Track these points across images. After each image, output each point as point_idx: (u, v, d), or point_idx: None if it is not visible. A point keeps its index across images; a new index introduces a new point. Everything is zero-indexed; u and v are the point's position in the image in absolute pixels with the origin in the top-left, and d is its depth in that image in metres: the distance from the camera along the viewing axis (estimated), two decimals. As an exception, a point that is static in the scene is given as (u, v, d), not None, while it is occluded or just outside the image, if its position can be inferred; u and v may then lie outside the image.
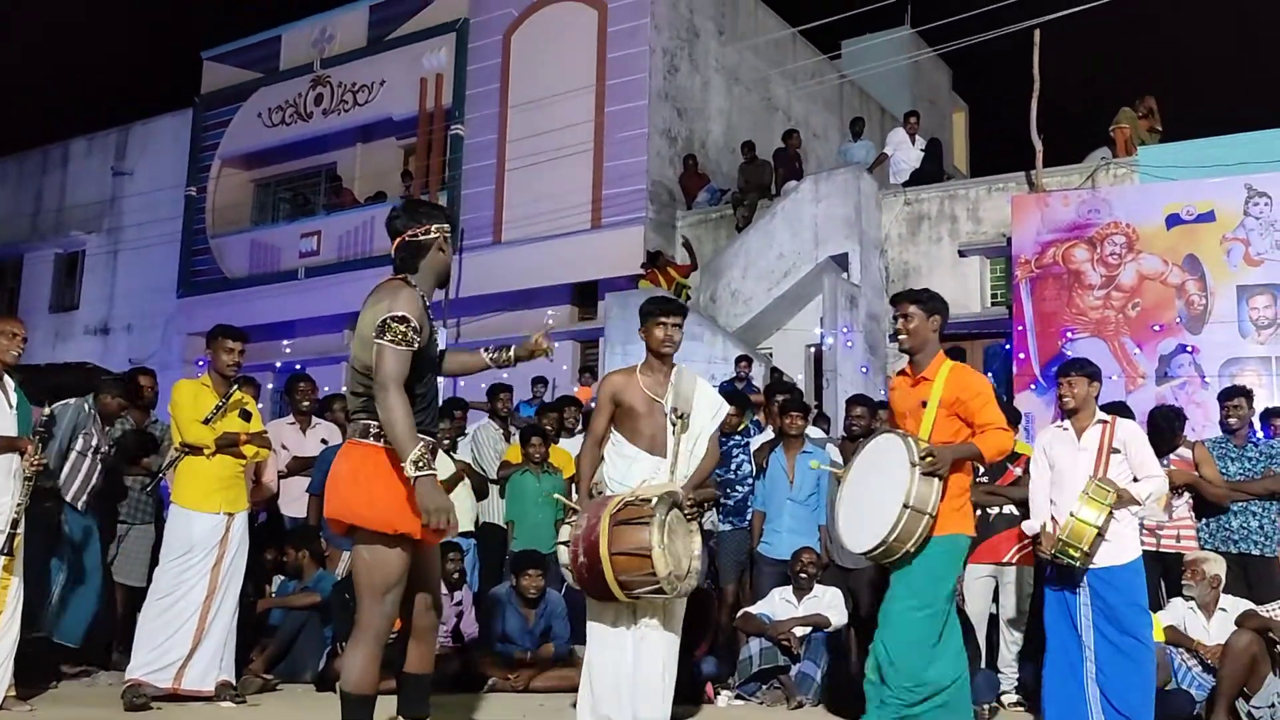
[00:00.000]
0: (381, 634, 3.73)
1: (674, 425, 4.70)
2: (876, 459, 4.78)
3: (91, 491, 6.47)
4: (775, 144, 15.48)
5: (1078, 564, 5.09)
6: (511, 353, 4.29)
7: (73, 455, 6.37)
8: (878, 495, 4.60)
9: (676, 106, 15.56)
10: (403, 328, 3.63)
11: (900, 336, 4.88)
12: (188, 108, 19.93)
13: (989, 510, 6.60)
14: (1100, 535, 5.00)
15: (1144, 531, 6.41)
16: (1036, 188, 12.19)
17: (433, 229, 3.89)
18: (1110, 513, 5.02)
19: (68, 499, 6.35)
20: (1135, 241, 10.92)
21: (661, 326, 4.79)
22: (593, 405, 10.64)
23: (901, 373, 5.02)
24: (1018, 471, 6.56)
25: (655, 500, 4.40)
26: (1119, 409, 6.28)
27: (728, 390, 9.95)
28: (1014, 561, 6.52)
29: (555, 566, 7.59)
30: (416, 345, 3.67)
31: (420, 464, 3.56)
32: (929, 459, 4.48)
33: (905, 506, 4.39)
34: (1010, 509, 6.53)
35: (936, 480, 4.50)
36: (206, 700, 5.69)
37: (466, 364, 4.37)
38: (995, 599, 6.64)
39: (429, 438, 3.79)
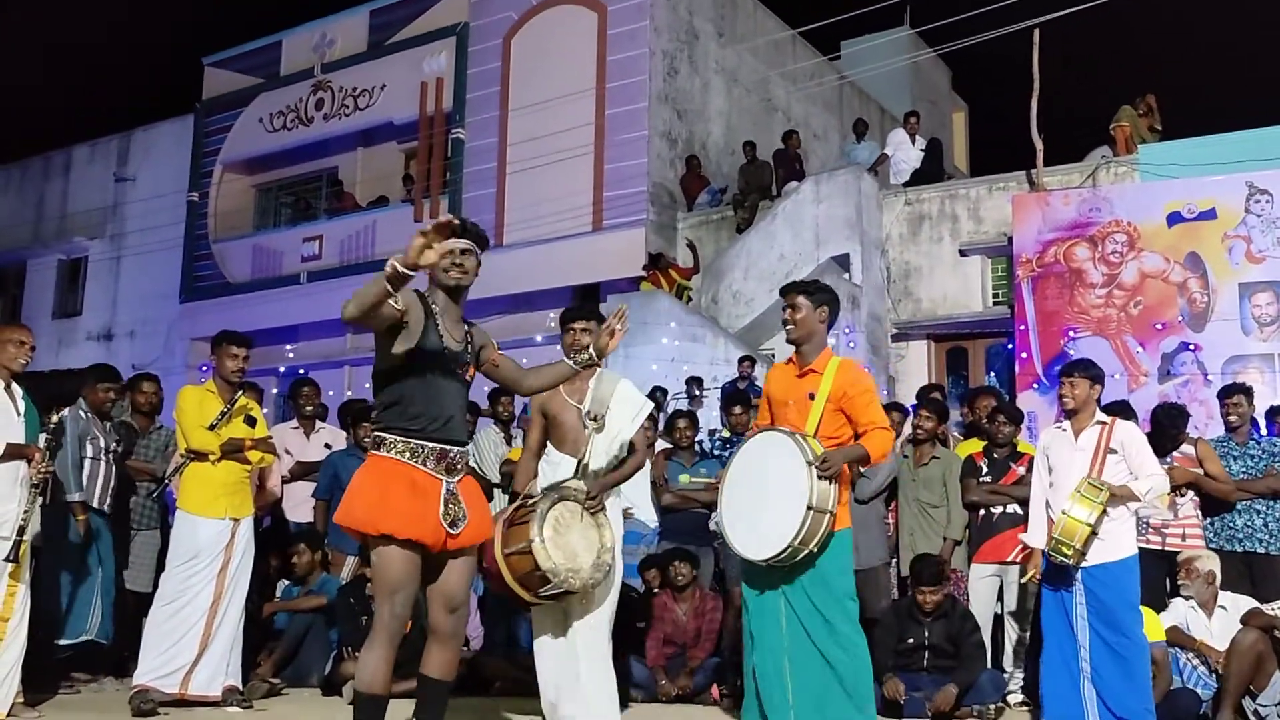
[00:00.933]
0: (393, 635, 3.75)
1: (587, 426, 4.80)
2: (760, 459, 4.63)
3: (111, 493, 6.51)
4: (775, 145, 15.49)
5: (1070, 562, 5.13)
6: (592, 350, 4.21)
7: (87, 463, 6.39)
8: (771, 498, 4.47)
9: (676, 108, 15.57)
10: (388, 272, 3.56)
11: (787, 327, 4.78)
12: (189, 113, 19.95)
13: (992, 510, 6.61)
14: (1094, 534, 5.03)
15: (1149, 530, 6.43)
16: (1037, 187, 12.20)
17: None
18: (1104, 511, 5.04)
19: (94, 505, 6.38)
20: (1137, 240, 10.93)
21: (570, 332, 4.84)
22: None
23: (788, 361, 4.91)
24: (1020, 470, 6.57)
25: (539, 496, 4.44)
26: (1121, 408, 6.30)
27: (729, 391, 9.97)
28: (1017, 560, 6.51)
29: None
30: (398, 303, 3.60)
31: (399, 263, 3.45)
32: (825, 464, 4.43)
33: (809, 509, 4.32)
34: (1014, 508, 6.52)
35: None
36: (213, 705, 5.71)
37: (557, 375, 4.28)
38: (1000, 598, 6.65)
39: (459, 446, 3.86)
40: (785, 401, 4.75)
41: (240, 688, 5.90)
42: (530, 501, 4.51)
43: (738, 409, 7.86)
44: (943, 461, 6.88)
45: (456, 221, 3.67)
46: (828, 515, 4.39)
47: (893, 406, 7.95)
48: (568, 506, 4.52)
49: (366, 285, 3.53)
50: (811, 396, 4.65)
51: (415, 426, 3.78)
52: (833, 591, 4.54)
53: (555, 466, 4.84)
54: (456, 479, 3.86)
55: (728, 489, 4.72)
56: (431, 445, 3.80)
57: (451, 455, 3.85)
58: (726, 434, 8.46)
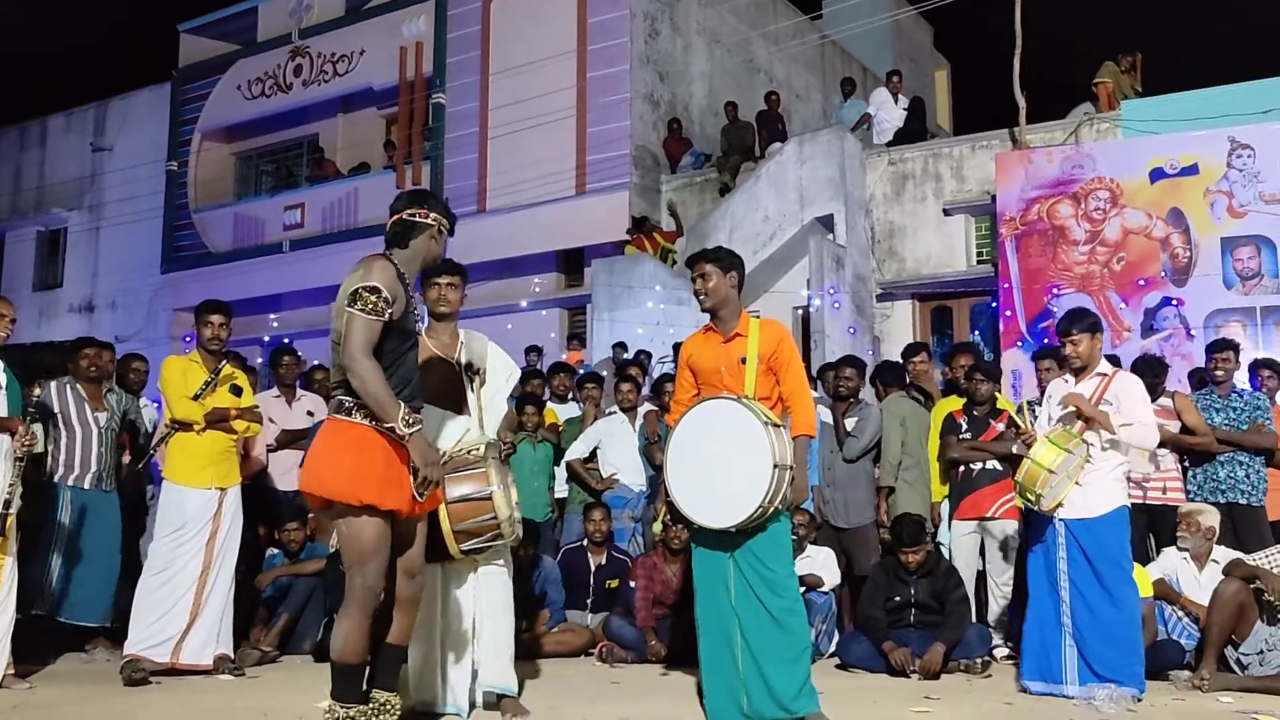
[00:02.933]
0: (365, 604, 3.77)
1: (470, 381, 4.74)
2: (707, 428, 4.51)
3: (105, 469, 6.45)
4: (758, 106, 15.41)
5: (1036, 507, 5.17)
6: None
7: (64, 438, 6.35)
8: (731, 464, 4.41)
9: (658, 70, 15.46)
10: (374, 298, 3.67)
11: (700, 296, 4.74)
12: (166, 81, 19.73)
13: (971, 466, 6.66)
14: (1052, 474, 5.04)
15: (1130, 485, 6.48)
16: (1020, 145, 12.18)
17: (430, 217, 3.98)
18: (1068, 455, 5.06)
19: (85, 485, 6.34)
20: (1119, 196, 10.94)
21: (435, 287, 4.75)
22: (583, 369, 10.69)
23: (707, 329, 4.81)
24: (1000, 427, 6.63)
25: (483, 449, 4.39)
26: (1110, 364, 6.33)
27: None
28: (997, 516, 6.59)
29: (548, 534, 7.70)
30: (387, 317, 3.70)
31: (408, 422, 3.67)
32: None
33: (775, 467, 4.33)
34: (993, 464, 6.60)
35: (785, 432, 4.51)
36: (205, 674, 5.72)
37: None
38: (981, 554, 6.71)
39: (418, 412, 3.84)
40: (715, 369, 4.69)
41: (232, 656, 5.92)
42: (468, 451, 4.39)
43: None
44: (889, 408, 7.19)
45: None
46: (789, 470, 4.41)
47: (885, 366, 7.98)
48: (499, 460, 4.48)
49: (381, 398, 3.67)
50: (743, 361, 4.63)
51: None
52: (778, 541, 4.56)
53: (442, 419, 4.60)
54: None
55: (674, 463, 4.54)
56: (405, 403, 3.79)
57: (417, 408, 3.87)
58: None
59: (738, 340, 4.70)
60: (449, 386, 4.69)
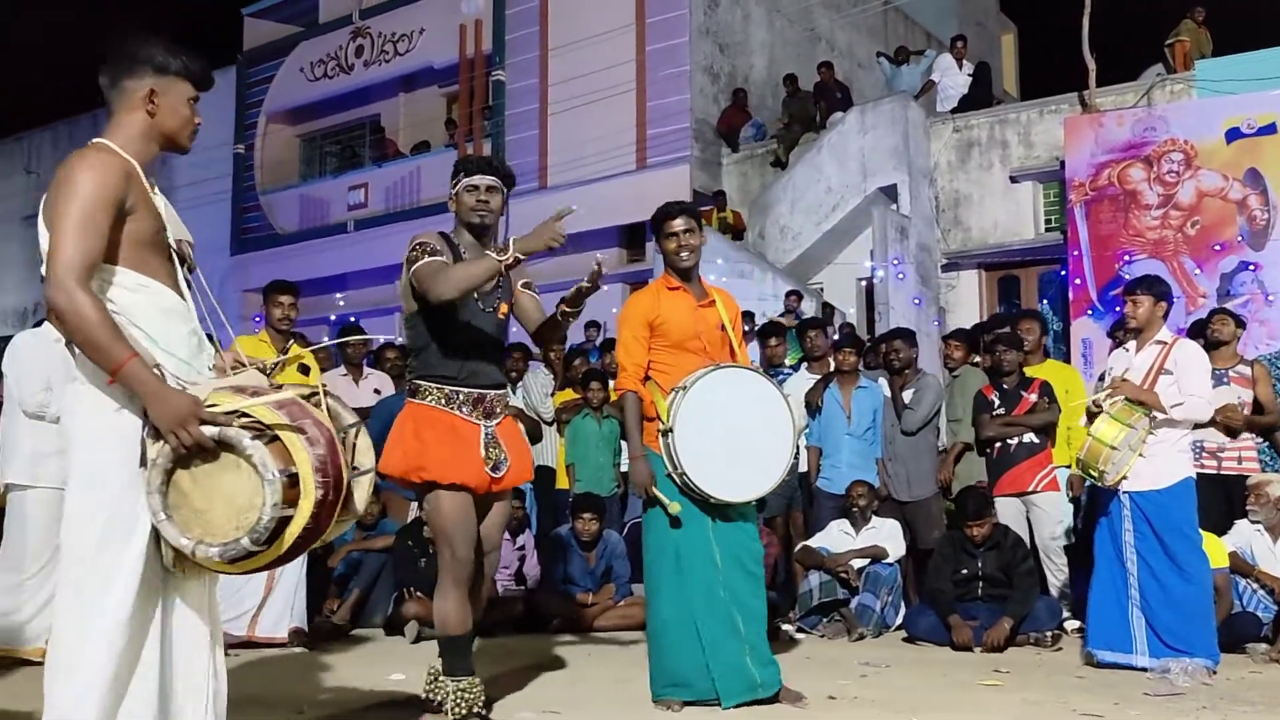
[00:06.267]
0: (456, 576, 3.81)
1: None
2: (719, 399, 4.29)
3: None
4: (818, 77, 15.23)
5: (1100, 483, 5.07)
6: (570, 302, 3.87)
7: None
8: (754, 434, 4.31)
9: (718, 42, 15.34)
10: (417, 251, 3.75)
11: (683, 254, 4.45)
12: (231, 65, 20.01)
13: (1009, 442, 6.55)
14: (1115, 450, 4.94)
15: (1204, 454, 6.33)
16: (1090, 108, 11.89)
17: (455, 182, 3.95)
18: (1130, 430, 4.95)
19: None
20: (1194, 158, 10.65)
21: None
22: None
23: (671, 289, 4.48)
24: (1032, 398, 6.52)
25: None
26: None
27: (765, 324, 9.94)
28: (1039, 489, 6.48)
29: (614, 509, 7.74)
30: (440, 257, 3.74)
31: (502, 251, 3.63)
32: None
33: (797, 433, 4.36)
34: (1030, 437, 6.50)
35: None
36: (280, 647, 5.85)
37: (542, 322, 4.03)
38: (1030, 529, 6.59)
39: (496, 389, 3.84)
40: (692, 334, 4.41)
41: (305, 629, 6.06)
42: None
43: (773, 340, 7.86)
44: (961, 379, 7.08)
45: (574, 208, 3.66)
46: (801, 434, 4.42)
47: (954, 335, 7.87)
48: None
49: (472, 268, 3.62)
50: (722, 327, 4.51)
51: (449, 373, 3.80)
52: (754, 513, 4.54)
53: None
54: (495, 422, 3.85)
55: (682, 438, 4.22)
56: (467, 391, 3.81)
57: (489, 399, 3.86)
58: (792, 361, 8.46)
59: (711, 306, 4.52)
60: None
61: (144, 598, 2.53)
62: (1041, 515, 6.50)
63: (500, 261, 3.60)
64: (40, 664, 4.90)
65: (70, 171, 2.53)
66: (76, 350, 2.55)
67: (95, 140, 2.69)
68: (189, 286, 2.73)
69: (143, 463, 2.50)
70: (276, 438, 2.43)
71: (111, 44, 2.76)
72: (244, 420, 2.45)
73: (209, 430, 2.42)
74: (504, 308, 3.94)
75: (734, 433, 4.31)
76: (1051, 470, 6.42)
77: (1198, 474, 5.39)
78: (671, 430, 4.23)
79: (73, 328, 2.45)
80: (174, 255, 2.72)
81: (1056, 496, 6.47)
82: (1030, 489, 6.48)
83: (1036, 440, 6.48)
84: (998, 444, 6.60)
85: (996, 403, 6.63)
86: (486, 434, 3.82)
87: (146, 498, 2.46)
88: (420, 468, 3.74)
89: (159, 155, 2.80)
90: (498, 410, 3.90)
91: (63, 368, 5.42)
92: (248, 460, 2.39)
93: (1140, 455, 5.06)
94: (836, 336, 9.10)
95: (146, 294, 2.61)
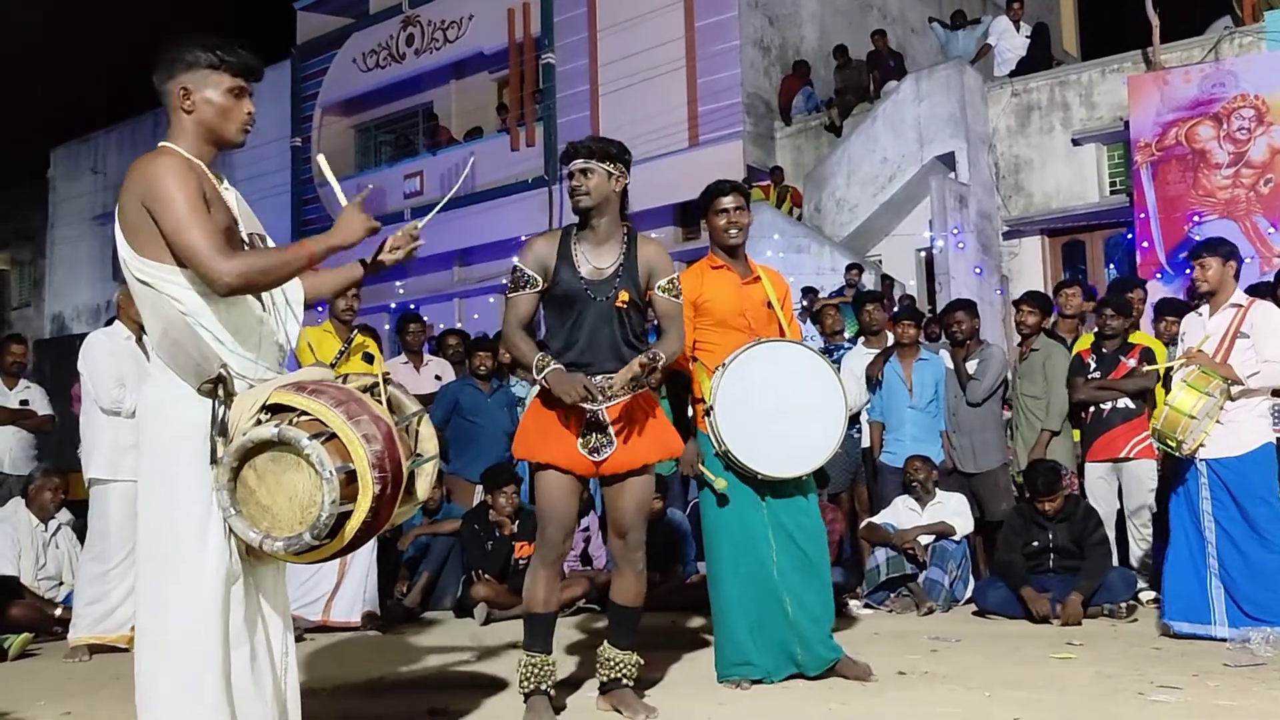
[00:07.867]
0: (545, 556, 3.85)
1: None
2: (766, 374, 4.29)
3: None
4: (870, 46, 15.00)
5: (1177, 453, 4.96)
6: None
7: None
8: (806, 409, 4.31)
9: (767, 14, 15.17)
10: (510, 278, 3.95)
11: (731, 231, 4.43)
12: (285, 59, 20.26)
13: (1102, 407, 6.43)
14: (1194, 419, 4.82)
15: (1285, 419, 6.16)
16: (1154, 66, 11.58)
17: (569, 165, 3.93)
18: (1209, 398, 4.83)
19: None
20: (1265, 114, 10.33)
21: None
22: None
23: (715, 267, 4.48)
24: (1130, 363, 6.38)
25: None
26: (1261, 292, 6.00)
27: (863, 290, 9.87)
28: (1133, 456, 6.35)
29: (676, 487, 7.74)
30: (525, 289, 3.87)
31: (541, 366, 3.71)
32: None
33: (848, 408, 4.42)
34: (1125, 402, 6.37)
35: None
36: (354, 630, 5.96)
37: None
38: (1120, 495, 6.49)
39: (607, 375, 3.77)
40: (738, 312, 4.41)
41: (378, 613, 6.15)
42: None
43: (871, 306, 7.65)
44: (1041, 352, 6.77)
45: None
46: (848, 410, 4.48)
47: (1025, 299, 7.49)
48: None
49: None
50: (768, 305, 4.49)
51: (571, 357, 3.83)
52: (811, 488, 4.51)
53: None
54: (606, 405, 3.75)
55: (724, 414, 4.25)
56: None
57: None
58: (850, 335, 8.36)
59: (757, 284, 4.52)
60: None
61: (224, 587, 2.61)
62: (1133, 482, 6.37)
63: (535, 377, 3.73)
64: (127, 650, 5.04)
65: (149, 180, 2.61)
66: (151, 347, 2.64)
67: (160, 144, 2.76)
68: None
69: (213, 460, 2.57)
70: (334, 435, 2.50)
71: (160, 50, 2.82)
72: (304, 419, 2.53)
73: (270, 430, 2.50)
74: (623, 295, 3.84)
75: (779, 407, 4.32)
76: (1146, 437, 6.28)
77: (1278, 439, 5.25)
78: (713, 408, 4.26)
79: (260, 286, 2.65)
80: (246, 249, 2.75)
81: (1150, 464, 6.33)
82: (1124, 455, 6.36)
83: (1133, 405, 6.34)
84: (1091, 409, 6.48)
85: (1092, 365, 6.51)
86: (591, 418, 3.77)
87: (216, 494, 2.55)
88: (526, 450, 3.91)
89: (218, 155, 2.83)
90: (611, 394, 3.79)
91: (134, 364, 5.57)
92: (306, 459, 2.47)
93: (1218, 422, 4.94)
94: (896, 309, 8.98)
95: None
